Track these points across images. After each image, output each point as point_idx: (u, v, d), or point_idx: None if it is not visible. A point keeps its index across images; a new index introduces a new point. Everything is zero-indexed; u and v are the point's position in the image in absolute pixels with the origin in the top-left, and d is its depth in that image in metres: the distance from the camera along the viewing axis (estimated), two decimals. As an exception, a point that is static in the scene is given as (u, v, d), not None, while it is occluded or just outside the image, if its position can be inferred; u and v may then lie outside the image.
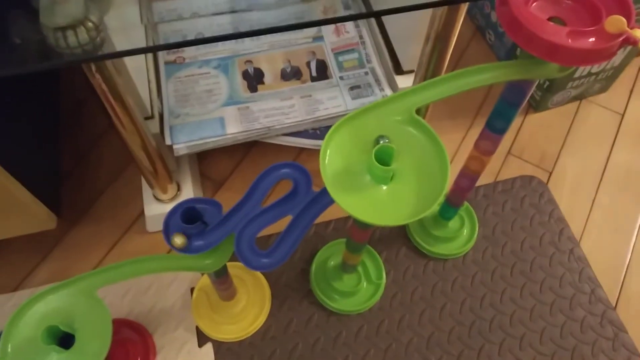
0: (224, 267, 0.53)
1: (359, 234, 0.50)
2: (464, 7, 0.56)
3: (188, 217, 0.45)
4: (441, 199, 0.38)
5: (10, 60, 0.41)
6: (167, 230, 0.44)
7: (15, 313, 0.46)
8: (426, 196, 0.38)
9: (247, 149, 0.79)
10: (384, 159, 0.38)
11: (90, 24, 0.43)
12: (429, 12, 0.60)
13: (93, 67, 0.47)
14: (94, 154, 0.78)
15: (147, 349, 0.61)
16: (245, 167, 0.78)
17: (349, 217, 0.72)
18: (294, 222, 0.44)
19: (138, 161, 0.61)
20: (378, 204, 0.38)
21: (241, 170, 0.78)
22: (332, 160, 0.39)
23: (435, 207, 0.68)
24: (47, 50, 0.43)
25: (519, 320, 0.65)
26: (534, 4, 0.40)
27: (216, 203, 0.46)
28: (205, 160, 0.78)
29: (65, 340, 0.47)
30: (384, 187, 0.39)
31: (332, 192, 0.37)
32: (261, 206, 0.45)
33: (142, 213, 0.73)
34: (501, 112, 0.50)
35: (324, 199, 0.44)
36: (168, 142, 0.63)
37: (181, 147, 0.64)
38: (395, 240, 0.70)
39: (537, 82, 0.48)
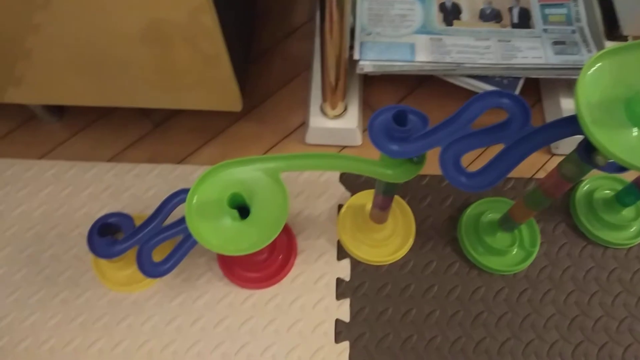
0: (396, 187, 0.53)
1: (558, 186, 0.47)
2: None
3: (396, 121, 0.44)
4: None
5: None
6: (372, 128, 0.44)
7: (207, 172, 0.49)
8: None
9: (415, 86, 0.77)
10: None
11: None
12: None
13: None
14: (269, 59, 0.80)
15: (291, 248, 0.63)
16: (409, 103, 0.76)
17: (529, 179, 0.69)
18: (507, 151, 0.42)
19: (326, 70, 0.61)
20: (630, 145, 0.35)
21: (404, 107, 0.76)
22: (586, 91, 0.36)
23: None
24: None
25: (676, 332, 0.60)
26: None
27: (424, 116, 0.45)
28: (369, 88, 0.77)
29: (239, 211, 0.50)
30: (636, 130, 0.35)
31: (587, 123, 0.34)
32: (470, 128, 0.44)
33: (302, 124, 0.75)
34: None
35: (549, 132, 0.41)
36: (357, 56, 0.63)
37: (367, 65, 0.63)
38: (555, 214, 0.66)
39: None
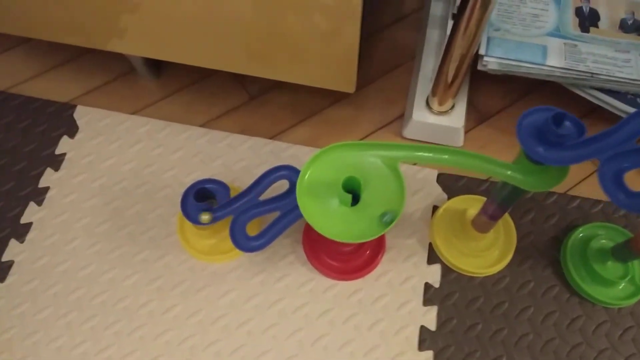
0: (517, 198, 0.49)
1: None
2: None
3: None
4: None
5: None
6: (521, 126, 0.40)
7: (322, 151, 0.46)
8: None
9: (526, 91, 0.72)
10: None
11: None
12: None
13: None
14: (374, 44, 0.77)
15: (380, 244, 0.60)
16: (516, 110, 0.71)
17: None
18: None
19: (447, 64, 0.57)
20: None
21: (510, 113, 0.71)
22: None
23: None
24: None
25: None
26: None
27: (582, 125, 0.41)
28: (476, 89, 0.72)
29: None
30: None
31: None
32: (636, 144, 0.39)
33: (401, 116, 0.71)
34: None
35: None
36: (482, 51, 0.59)
37: (492, 61, 0.59)
38: (671, 251, 0.60)
39: None
